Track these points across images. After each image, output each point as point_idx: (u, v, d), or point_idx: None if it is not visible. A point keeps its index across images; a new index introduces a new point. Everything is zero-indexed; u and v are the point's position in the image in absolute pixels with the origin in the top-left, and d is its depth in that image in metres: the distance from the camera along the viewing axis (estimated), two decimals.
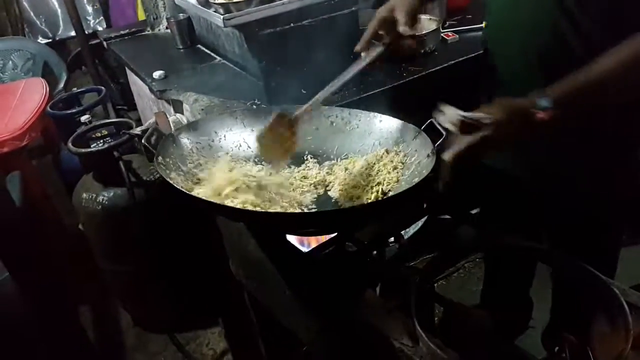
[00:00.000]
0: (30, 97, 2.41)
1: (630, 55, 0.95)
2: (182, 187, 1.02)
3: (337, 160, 1.28)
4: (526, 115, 0.96)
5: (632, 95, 1.05)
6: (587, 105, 1.01)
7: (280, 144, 1.17)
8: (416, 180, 1.03)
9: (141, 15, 3.15)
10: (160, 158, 1.06)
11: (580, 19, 1.06)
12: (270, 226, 1.15)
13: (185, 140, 1.19)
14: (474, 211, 1.55)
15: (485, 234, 1.26)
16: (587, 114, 1.06)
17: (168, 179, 1.01)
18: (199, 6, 1.62)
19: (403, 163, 1.17)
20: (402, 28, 1.13)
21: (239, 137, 1.28)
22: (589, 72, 0.97)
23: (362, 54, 1.20)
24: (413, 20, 1.16)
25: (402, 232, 1.42)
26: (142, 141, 1.07)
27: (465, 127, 0.96)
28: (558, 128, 0.97)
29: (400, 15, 1.14)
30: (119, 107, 3.32)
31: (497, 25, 1.28)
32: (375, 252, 1.42)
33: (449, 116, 0.98)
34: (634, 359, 0.88)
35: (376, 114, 1.28)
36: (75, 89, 2.52)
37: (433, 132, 1.11)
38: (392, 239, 1.49)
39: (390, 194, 1.12)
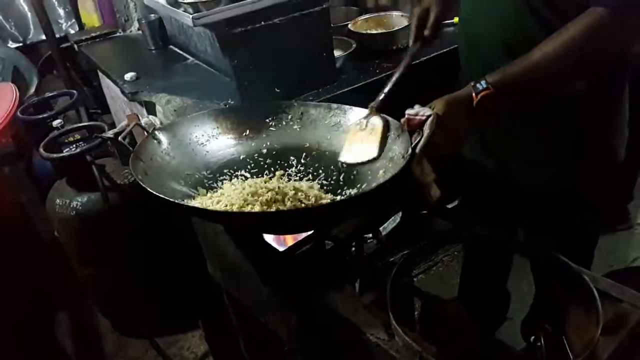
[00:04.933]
0: None
1: (564, 42, 0.98)
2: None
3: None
4: (466, 101, 1.01)
5: (566, 81, 1.09)
6: (525, 89, 1.04)
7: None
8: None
9: (87, 22, 3.16)
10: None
11: (545, 14, 1.08)
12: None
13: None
14: (449, 205, 1.57)
15: (461, 227, 1.27)
16: (536, 101, 1.11)
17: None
18: (168, 6, 1.61)
19: None
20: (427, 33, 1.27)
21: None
22: (526, 57, 1.01)
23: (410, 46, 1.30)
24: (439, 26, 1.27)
25: (380, 228, 1.42)
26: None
27: (410, 123, 1.02)
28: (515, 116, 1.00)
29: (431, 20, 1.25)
30: (93, 110, 3.27)
31: (468, 20, 1.29)
32: (353, 248, 1.42)
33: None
34: (605, 344, 0.90)
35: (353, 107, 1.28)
36: (48, 93, 2.48)
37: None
38: (370, 235, 1.49)
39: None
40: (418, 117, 1.01)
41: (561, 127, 1.22)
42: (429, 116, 0.99)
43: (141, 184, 0.99)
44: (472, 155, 1.39)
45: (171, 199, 0.98)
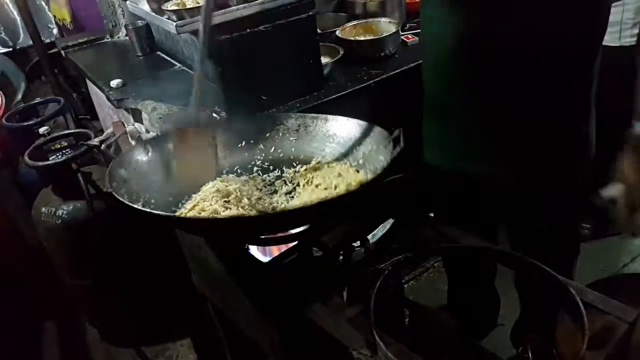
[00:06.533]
0: None
1: None
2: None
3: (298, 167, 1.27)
4: None
5: None
6: None
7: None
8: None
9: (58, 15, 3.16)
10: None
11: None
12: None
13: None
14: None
15: (443, 236, 1.26)
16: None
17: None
18: (153, 13, 1.59)
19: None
20: None
21: None
22: None
23: None
24: None
25: (369, 236, 1.41)
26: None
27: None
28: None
29: None
30: (82, 116, 3.24)
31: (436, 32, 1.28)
32: (341, 257, 1.41)
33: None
34: (591, 358, 0.88)
35: (348, 118, 1.27)
36: (39, 98, 2.46)
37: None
38: (357, 243, 1.48)
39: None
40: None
41: (542, 127, 1.22)
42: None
43: (112, 192, 0.98)
44: (449, 163, 1.39)
45: (141, 208, 0.98)
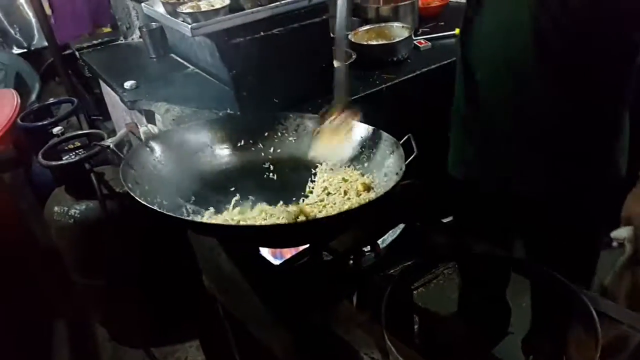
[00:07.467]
0: (0, 109, 2.35)
1: None
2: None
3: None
4: None
5: None
6: None
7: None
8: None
9: None
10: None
11: (560, 14, 1.07)
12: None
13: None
14: (445, 220, 1.55)
15: (458, 243, 1.25)
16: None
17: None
18: (168, 16, 1.60)
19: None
20: None
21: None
22: None
23: None
24: None
25: (379, 241, 1.40)
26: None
27: None
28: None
29: None
30: (95, 117, 3.27)
31: (478, 27, 1.27)
32: (351, 261, 1.41)
33: None
34: None
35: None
36: (52, 99, 2.49)
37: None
38: (368, 247, 1.48)
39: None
40: None
41: (567, 141, 1.21)
42: None
43: (130, 192, 0.98)
44: (468, 172, 1.38)
45: (158, 209, 0.98)
